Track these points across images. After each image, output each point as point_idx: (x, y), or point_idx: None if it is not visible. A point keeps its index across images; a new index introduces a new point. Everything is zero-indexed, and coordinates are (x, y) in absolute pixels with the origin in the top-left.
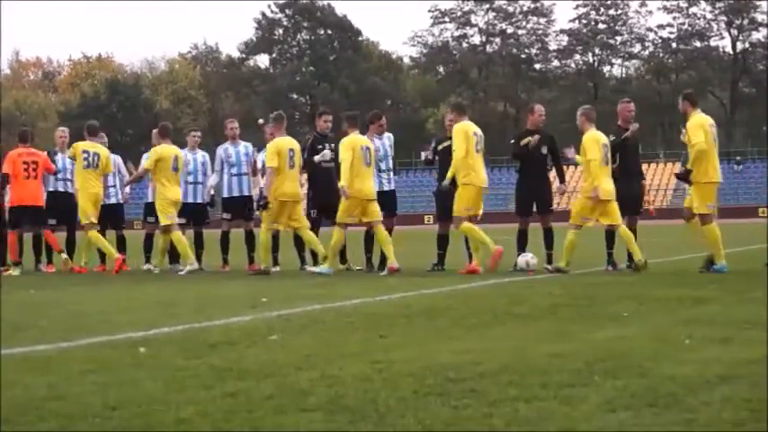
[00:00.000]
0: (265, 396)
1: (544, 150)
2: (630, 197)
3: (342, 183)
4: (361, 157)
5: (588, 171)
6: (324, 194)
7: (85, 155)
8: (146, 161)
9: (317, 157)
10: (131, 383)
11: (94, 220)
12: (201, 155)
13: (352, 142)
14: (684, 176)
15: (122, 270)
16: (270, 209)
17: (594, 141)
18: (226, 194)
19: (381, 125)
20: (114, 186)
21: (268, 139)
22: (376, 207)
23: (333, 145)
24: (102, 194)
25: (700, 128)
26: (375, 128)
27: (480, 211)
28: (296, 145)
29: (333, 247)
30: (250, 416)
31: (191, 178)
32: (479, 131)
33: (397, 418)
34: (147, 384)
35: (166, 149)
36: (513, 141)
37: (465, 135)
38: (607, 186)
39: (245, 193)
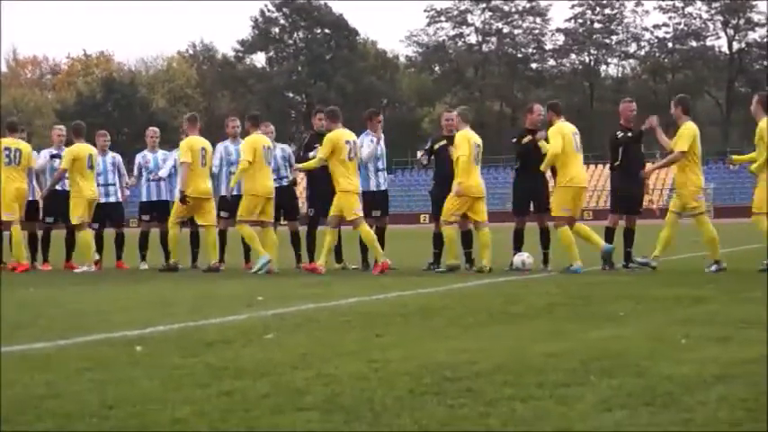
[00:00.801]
0: (261, 395)
1: (544, 150)
2: (629, 197)
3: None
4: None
5: (458, 167)
6: (321, 193)
7: (7, 152)
8: (62, 162)
9: (311, 154)
10: (128, 382)
11: (15, 217)
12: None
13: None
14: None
15: (122, 269)
16: (188, 203)
17: (465, 140)
18: (224, 193)
19: (379, 121)
20: (114, 185)
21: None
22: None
23: None
24: (27, 190)
25: (558, 134)
26: (373, 125)
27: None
28: (208, 145)
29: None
30: (246, 415)
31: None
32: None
33: (394, 417)
34: (143, 383)
35: (82, 148)
36: (514, 141)
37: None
38: (473, 183)
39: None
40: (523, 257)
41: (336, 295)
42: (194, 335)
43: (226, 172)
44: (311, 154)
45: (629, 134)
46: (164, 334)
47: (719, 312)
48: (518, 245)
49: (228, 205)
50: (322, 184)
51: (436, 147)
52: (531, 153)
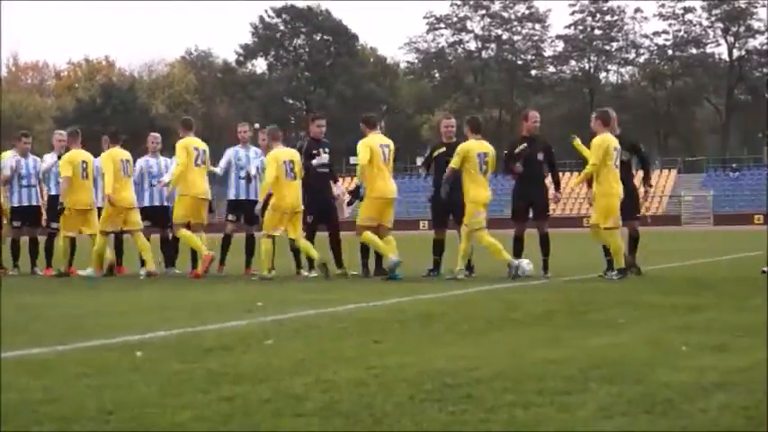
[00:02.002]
0: (261, 400)
1: (540, 156)
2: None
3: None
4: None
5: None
6: (320, 200)
7: None
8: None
9: (314, 161)
10: (127, 387)
11: None
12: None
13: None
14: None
15: (121, 273)
16: (66, 215)
17: (367, 146)
18: (233, 197)
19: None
20: None
21: (262, 145)
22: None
23: (327, 149)
24: None
25: (366, 147)
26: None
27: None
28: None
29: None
30: (246, 420)
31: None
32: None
33: (393, 423)
34: (142, 388)
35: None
36: (506, 152)
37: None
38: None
39: (252, 197)
40: (523, 264)
41: (335, 301)
42: (194, 340)
43: (235, 176)
44: (314, 162)
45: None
46: (163, 339)
47: (717, 320)
48: (518, 251)
49: (235, 209)
50: (319, 189)
51: (435, 154)
52: (530, 160)
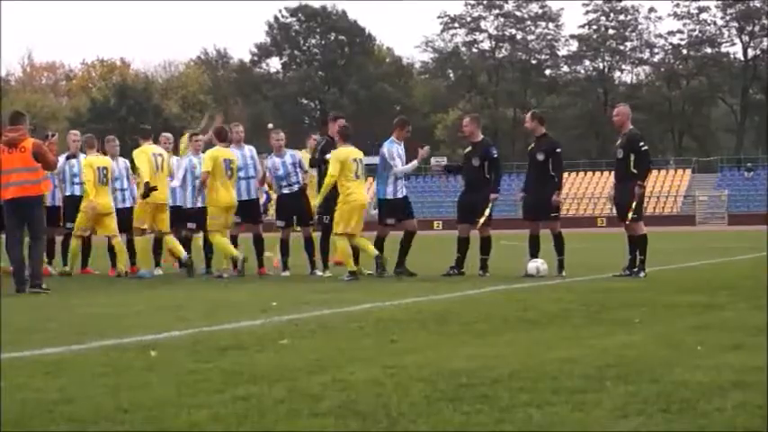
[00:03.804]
0: (277, 400)
1: (540, 157)
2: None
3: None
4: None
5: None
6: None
7: None
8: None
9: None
10: (142, 387)
11: None
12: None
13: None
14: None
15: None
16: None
17: (336, 159)
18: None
19: (408, 131)
20: (127, 190)
21: (273, 145)
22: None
23: None
24: None
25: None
26: (403, 133)
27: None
28: (110, 163)
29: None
30: (262, 420)
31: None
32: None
33: (409, 423)
34: (158, 388)
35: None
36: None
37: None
38: (102, 201)
39: (253, 197)
40: (538, 264)
41: (350, 301)
42: (209, 340)
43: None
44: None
45: (470, 148)
46: (178, 339)
47: (733, 319)
48: (534, 251)
49: (239, 210)
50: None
51: (464, 153)
52: (532, 161)
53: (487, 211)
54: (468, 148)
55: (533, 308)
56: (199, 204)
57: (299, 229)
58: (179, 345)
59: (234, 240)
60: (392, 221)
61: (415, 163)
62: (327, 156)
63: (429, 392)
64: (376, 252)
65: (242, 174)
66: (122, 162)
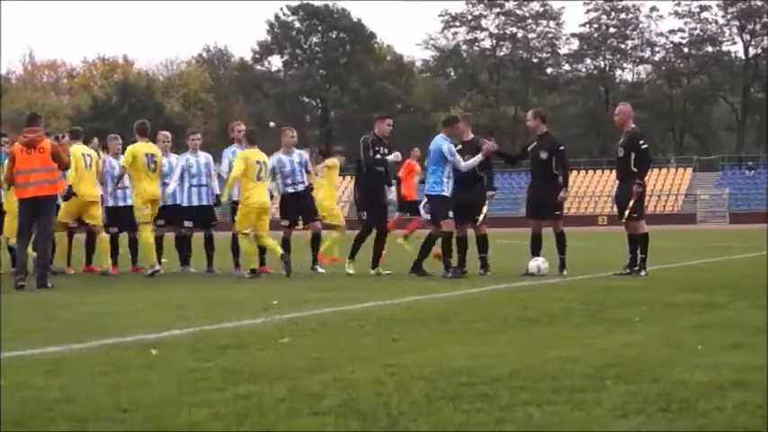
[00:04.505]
0: (278, 399)
1: (543, 155)
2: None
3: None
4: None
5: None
6: (375, 198)
7: None
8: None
9: (390, 157)
10: (143, 385)
11: None
12: (204, 156)
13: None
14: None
15: (138, 272)
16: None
17: (243, 159)
18: (235, 197)
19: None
20: (128, 188)
21: (286, 143)
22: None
23: (386, 149)
24: None
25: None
26: (454, 130)
27: None
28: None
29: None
30: (262, 419)
31: (194, 180)
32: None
33: (410, 422)
34: (158, 386)
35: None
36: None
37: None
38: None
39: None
40: (539, 263)
41: (351, 300)
42: (210, 338)
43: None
44: (390, 158)
45: (460, 147)
46: (179, 337)
47: (733, 318)
48: (536, 249)
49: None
50: (374, 188)
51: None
52: (535, 159)
53: (485, 210)
54: (459, 147)
55: (534, 307)
56: (204, 202)
57: (299, 227)
58: (180, 343)
59: (234, 239)
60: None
61: (479, 158)
62: (392, 156)
63: (429, 391)
64: (281, 251)
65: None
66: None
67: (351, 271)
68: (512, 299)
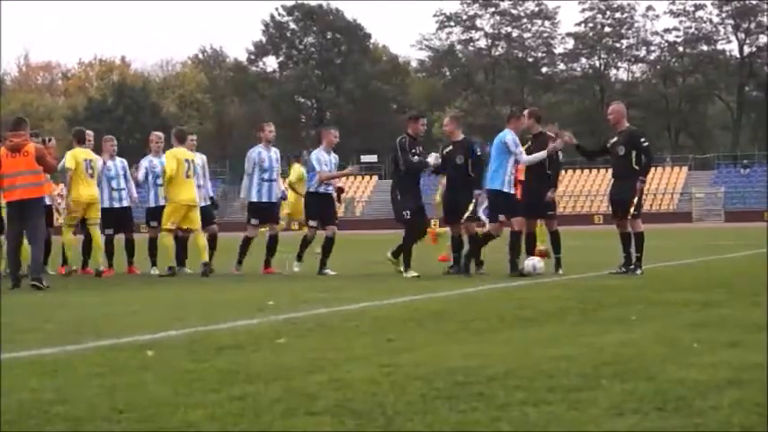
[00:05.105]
0: (273, 399)
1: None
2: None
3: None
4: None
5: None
6: (416, 197)
7: None
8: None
9: (430, 160)
10: (138, 386)
11: None
12: (199, 157)
13: (176, 154)
14: None
15: (133, 273)
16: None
17: (173, 157)
18: (255, 199)
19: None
20: (124, 189)
21: (331, 141)
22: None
23: (420, 149)
24: None
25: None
26: (518, 124)
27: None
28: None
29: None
30: (258, 419)
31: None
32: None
33: (405, 421)
34: (154, 387)
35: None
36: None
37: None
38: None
39: (273, 200)
40: (534, 262)
41: (348, 300)
42: (205, 339)
43: (257, 178)
44: (431, 160)
45: (451, 148)
46: (174, 338)
47: (729, 316)
48: (530, 248)
49: (258, 212)
50: (415, 189)
51: (445, 152)
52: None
53: (471, 207)
54: (449, 148)
55: (530, 306)
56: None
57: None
58: (175, 344)
59: (248, 242)
60: (502, 218)
61: (543, 153)
62: (431, 158)
63: (425, 391)
64: (206, 258)
65: (266, 176)
66: (120, 162)
67: (414, 274)
68: (508, 298)
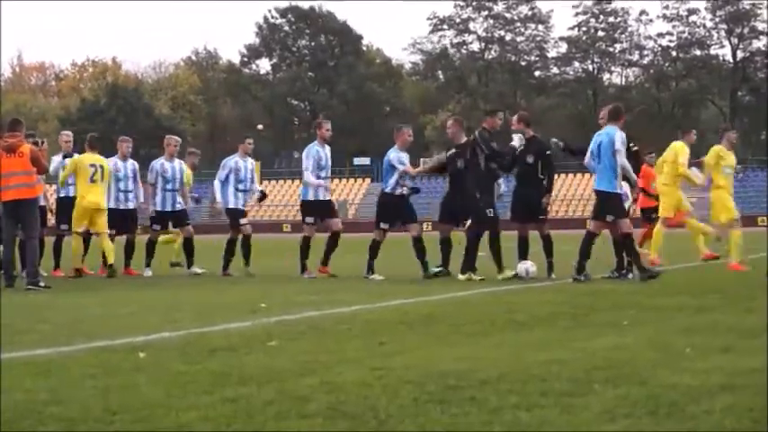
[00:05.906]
0: (266, 402)
1: (530, 159)
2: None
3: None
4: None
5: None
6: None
7: None
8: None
9: (515, 142)
10: (132, 388)
11: None
12: (250, 162)
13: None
14: None
15: (130, 275)
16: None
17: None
18: (311, 197)
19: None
20: (131, 191)
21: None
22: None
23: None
24: None
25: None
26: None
27: None
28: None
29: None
30: (250, 421)
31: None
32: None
33: (397, 424)
34: (147, 389)
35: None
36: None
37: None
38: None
39: (321, 197)
40: (527, 266)
41: (340, 302)
42: (198, 341)
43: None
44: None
45: (455, 150)
46: (167, 340)
47: (722, 321)
48: (523, 252)
49: (312, 211)
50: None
51: (448, 155)
52: (522, 162)
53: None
54: (452, 151)
55: (522, 310)
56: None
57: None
58: (168, 346)
59: (307, 242)
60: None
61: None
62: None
63: (417, 394)
64: (112, 260)
65: (323, 174)
66: (131, 164)
67: (510, 275)
68: (499, 302)
